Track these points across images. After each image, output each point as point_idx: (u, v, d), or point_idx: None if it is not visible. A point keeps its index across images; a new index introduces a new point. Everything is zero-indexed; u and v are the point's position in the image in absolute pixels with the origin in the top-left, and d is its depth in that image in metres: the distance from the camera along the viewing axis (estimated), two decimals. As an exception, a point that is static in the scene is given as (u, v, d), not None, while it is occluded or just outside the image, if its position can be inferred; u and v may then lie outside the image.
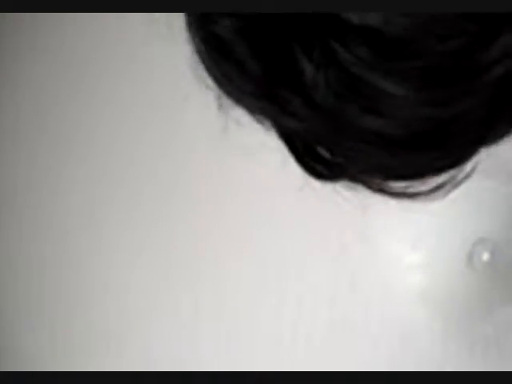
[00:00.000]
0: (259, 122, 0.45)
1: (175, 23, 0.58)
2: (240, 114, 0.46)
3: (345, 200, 1.15)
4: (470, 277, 1.17)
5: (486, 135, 0.45)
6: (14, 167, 1.37)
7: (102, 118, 1.35)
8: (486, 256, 1.16)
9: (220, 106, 0.46)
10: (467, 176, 0.49)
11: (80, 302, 1.34)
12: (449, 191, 0.49)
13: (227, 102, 0.46)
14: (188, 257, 1.31)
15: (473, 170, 0.49)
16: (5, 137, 1.37)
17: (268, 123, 0.45)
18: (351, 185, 0.48)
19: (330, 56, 0.39)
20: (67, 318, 1.34)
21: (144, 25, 1.28)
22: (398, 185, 0.48)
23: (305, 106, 0.41)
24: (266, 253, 1.29)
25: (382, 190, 0.48)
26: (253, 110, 0.45)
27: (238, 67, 0.43)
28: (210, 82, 0.47)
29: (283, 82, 0.42)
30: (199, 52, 0.46)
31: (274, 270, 1.29)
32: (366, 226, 1.23)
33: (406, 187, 0.48)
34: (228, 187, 1.31)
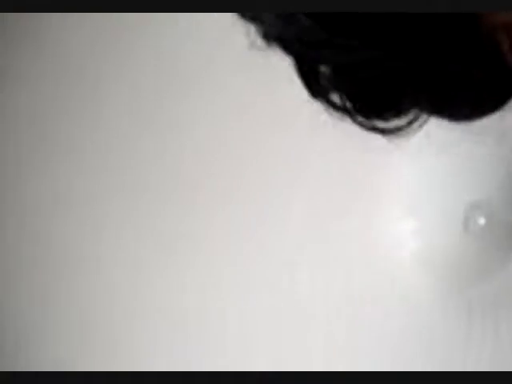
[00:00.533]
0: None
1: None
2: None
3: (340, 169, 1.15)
4: (467, 242, 1.18)
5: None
6: (13, 169, 1.37)
7: (101, 114, 1.35)
8: (482, 220, 1.17)
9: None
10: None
11: (73, 303, 1.34)
12: (422, 124, 0.54)
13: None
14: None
15: None
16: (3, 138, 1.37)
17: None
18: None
19: None
20: (60, 318, 1.34)
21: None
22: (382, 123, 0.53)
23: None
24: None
25: (372, 128, 0.53)
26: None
27: None
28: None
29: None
30: None
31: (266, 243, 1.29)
32: (359, 195, 1.23)
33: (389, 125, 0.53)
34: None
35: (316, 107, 0.53)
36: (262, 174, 1.29)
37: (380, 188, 1.21)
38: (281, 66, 0.52)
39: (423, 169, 1.18)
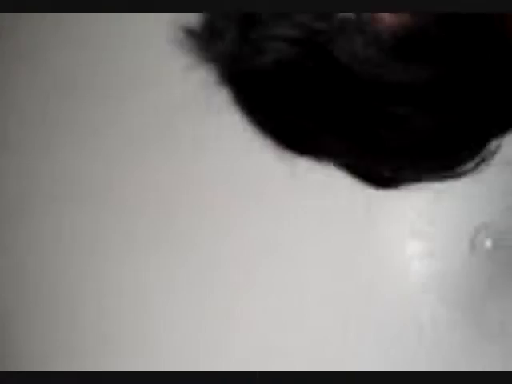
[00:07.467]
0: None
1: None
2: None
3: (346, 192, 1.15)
4: (474, 264, 1.18)
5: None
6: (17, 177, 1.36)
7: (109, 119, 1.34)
8: (488, 243, 1.18)
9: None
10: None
11: (73, 303, 1.34)
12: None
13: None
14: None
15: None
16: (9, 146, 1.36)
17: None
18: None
19: None
20: (62, 320, 1.35)
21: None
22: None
23: None
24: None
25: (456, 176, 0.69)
26: None
27: None
28: None
29: None
30: None
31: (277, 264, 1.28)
32: (366, 217, 1.23)
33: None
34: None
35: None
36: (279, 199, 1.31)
37: (387, 212, 1.21)
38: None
39: (431, 193, 1.18)
